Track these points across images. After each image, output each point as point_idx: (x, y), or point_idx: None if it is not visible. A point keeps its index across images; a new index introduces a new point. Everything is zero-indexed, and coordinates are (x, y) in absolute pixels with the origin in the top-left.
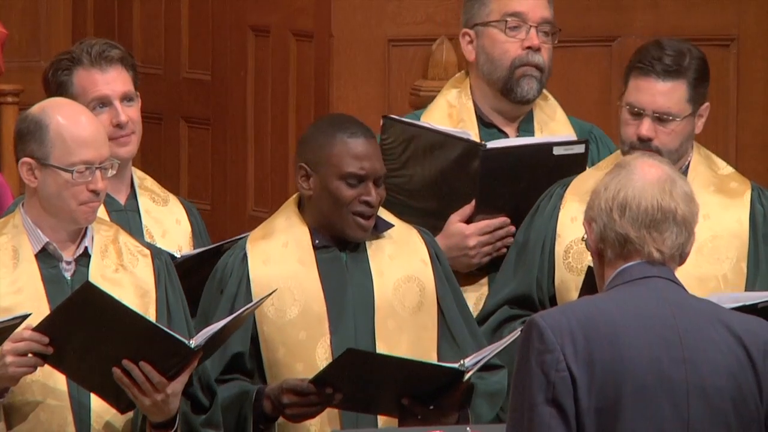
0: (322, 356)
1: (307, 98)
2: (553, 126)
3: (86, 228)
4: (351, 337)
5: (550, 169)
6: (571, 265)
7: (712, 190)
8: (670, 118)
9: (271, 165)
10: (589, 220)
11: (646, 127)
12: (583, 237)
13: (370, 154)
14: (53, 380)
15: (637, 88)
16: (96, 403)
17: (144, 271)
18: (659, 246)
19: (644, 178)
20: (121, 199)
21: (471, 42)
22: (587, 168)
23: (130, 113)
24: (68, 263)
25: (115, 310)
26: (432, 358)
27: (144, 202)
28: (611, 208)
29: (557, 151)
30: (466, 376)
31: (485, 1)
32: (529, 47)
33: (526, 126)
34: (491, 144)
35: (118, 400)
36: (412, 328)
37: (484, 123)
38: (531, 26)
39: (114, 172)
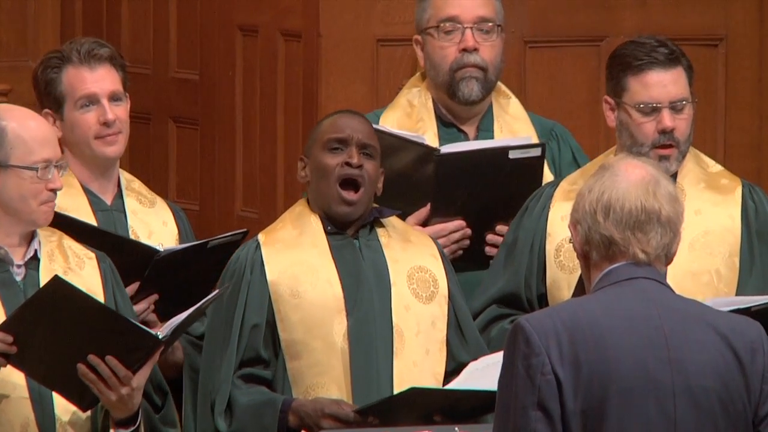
0: (339, 333)
1: (296, 98)
2: (513, 124)
3: (34, 232)
4: (370, 317)
5: (507, 173)
6: (562, 263)
7: (703, 186)
8: (684, 103)
9: (260, 165)
10: (574, 223)
11: (668, 119)
12: (569, 240)
13: (353, 124)
14: (14, 377)
15: (644, 85)
16: (59, 398)
17: (91, 273)
18: (644, 247)
19: (628, 179)
20: (108, 199)
21: (422, 48)
22: (545, 171)
23: (118, 112)
24: (19, 267)
25: (84, 303)
26: (441, 350)
27: (130, 203)
28: (595, 210)
29: (513, 154)
30: (455, 427)
31: (425, 7)
32: (464, 49)
33: (485, 125)
34: (445, 149)
35: (81, 397)
36: (424, 317)
37: (443, 122)
38: (465, 27)
39: (65, 172)
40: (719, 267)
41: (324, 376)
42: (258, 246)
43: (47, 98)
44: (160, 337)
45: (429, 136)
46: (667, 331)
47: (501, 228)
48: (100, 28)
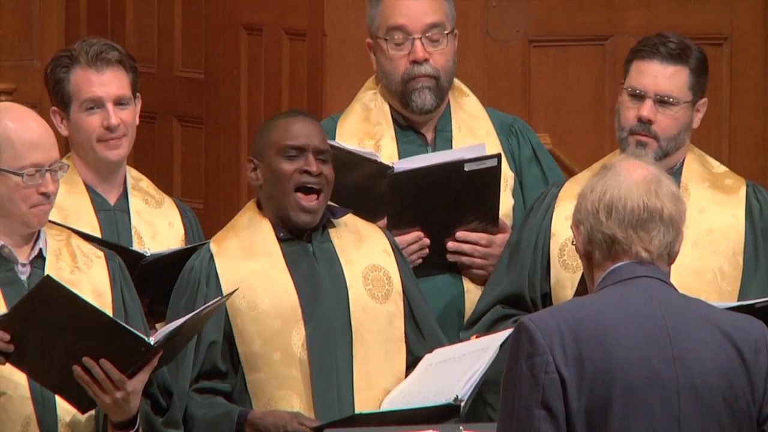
0: (297, 343)
1: (300, 97)
2: (471, 122)
3: (39, 231)
4: (328, 325)
5: (464, 183)
6: (566, 262)
7: (707, 185)
8: (671, 101)
9: None
10: (576, 223)
11: (647, 109)
12: (572, 241)
13: (308, 130)
14: (16, 377)
15: (639, 71)
16: (61, 400)
17: (99, 272)
18: (647, 245)
19: (630, 178)
20: (112, 199)
21: (374, 53)
22: (505, 167)
23: (123, 116)
24: (23, 266)
25: (74, 305)
26: (400, 348)
27: (135, 203)
28: (597, 209)
29: (469, 167)
30: (462, 406)
31: (374, 14)
32: (414, 60)
33: (443, 125)
34: (399, 165)
35: (79, 399)
36: (381, 317)
37: (400, 126)
38: (414, 38)
39: (64, 174)
40: (723, 265)
41: (285, 388)
42: (211, 257)
43: (55, 97)
44: (151, 342)
45: (386, 140)
46: (670, 329)
47: (461, 234)
48: (105, 28)
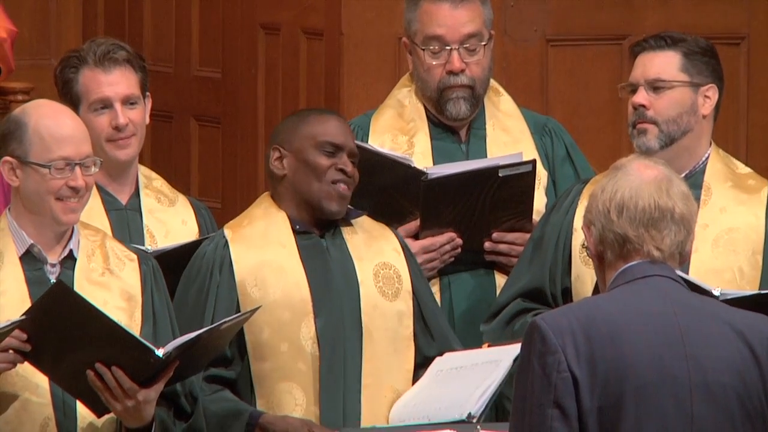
0: (306, 336)
1: (318, 96)
2: (506, 121)
3: (72, 231)
4: (338, 319)
5: (498, 188)
6: (586, 258)
7: (730, 185)
8: (661, 84)
9: None
10: (587, 224)
11: (639, 95)
12: (583, 243)
13: (346, 130)
14: (37, 378)
15: (633, 67)
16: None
17: (130, 275)
18: (658, 244)
19: (640, 177)
20: (123, 198)
21: (410, 51)
22: (538, 166)
23: (132, 116)
24: (53, 266)
25: (85, 311)
26: (409, 346)
27: (147, 202)
28: (609, 209)
29: (503, 172)
30: (475, 423)
31: (412, 18)
32: (450, 71)
33: (478, 123)
34: (433, 171)
35: (95, 403)
36: (391, 315)
37: (434, 123)
38: (452, 49)
39: (96, 169)
40: (742, 265)
41: (289, 380)
42: (226, 243)
43: (65, 97)
44: (160, 354)
45: (420, 136)
46: (682, 327)
47: (498, 235)
48: (123, 27)
